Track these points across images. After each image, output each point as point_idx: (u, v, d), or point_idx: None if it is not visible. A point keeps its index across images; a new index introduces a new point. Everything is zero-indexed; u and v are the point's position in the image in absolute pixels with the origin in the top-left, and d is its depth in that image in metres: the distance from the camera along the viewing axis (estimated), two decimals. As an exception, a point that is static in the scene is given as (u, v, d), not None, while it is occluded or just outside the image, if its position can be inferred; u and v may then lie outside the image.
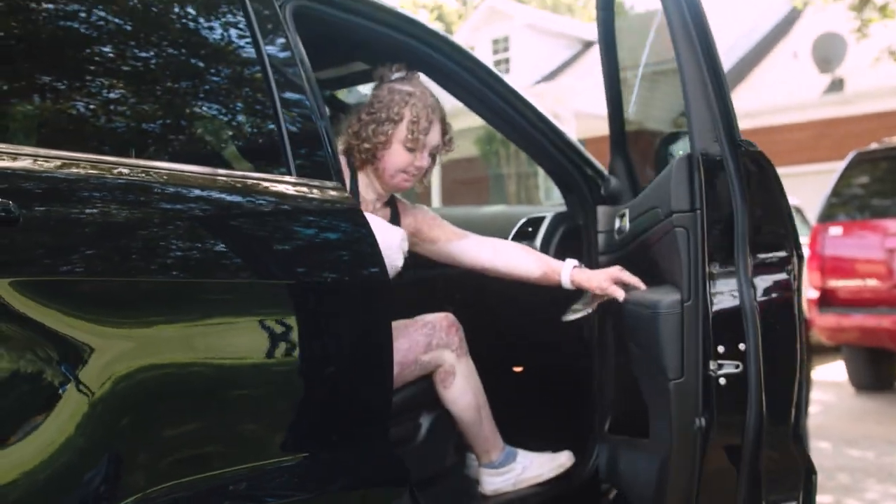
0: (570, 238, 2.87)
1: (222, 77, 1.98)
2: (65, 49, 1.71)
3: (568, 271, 2.44)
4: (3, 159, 1.42)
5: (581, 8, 33.69)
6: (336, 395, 1.80)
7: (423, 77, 2.51)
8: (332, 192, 1.92)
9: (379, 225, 2.07)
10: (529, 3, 28.93)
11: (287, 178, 1.87)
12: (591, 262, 2.80)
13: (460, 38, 19.18)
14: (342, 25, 2.29)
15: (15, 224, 1.35)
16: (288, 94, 1.96)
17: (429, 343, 2.37)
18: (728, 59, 16.29)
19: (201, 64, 1.95)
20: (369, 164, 2.41)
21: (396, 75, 2.43)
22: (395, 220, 2.51)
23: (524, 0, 29.20)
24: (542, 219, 2.92)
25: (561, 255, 2.77)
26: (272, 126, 1.92)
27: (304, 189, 1.88)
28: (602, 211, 2.75)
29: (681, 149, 2.92)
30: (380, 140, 2.35)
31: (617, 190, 2.74)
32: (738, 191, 1.95)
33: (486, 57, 18.01)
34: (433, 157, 2.46)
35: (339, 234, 1.94)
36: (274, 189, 1.84)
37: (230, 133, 1.99)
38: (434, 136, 2.41)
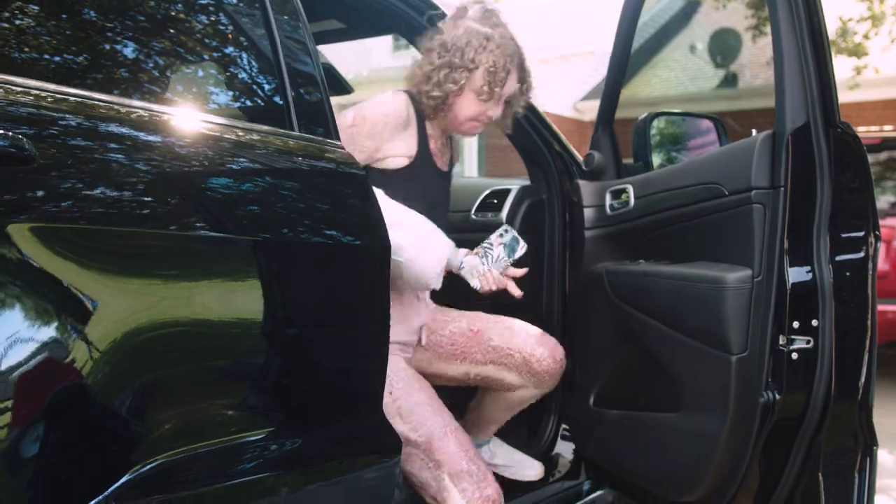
0: (535, 211, 2.83)
1: (222, 29, 1.87)
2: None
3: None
4: (15, 95, 1.29)
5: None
6: (328, 360, 1.73)
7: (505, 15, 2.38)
8: (337, 151, 1.84)
9: (426, 234, 2.09)
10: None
11: (293, 133, 1.78)
12: (552, 235, 2.79)
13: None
14: None
15: (31, 163, 1.23)
16: (291, 49, 1.86)
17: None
18: (599, 72, 16.62)
19: (207, 16, 1.84)
20: (440, 110, 2.26)
21: (475, 11, 2.25)
22: (451, 157, 2.46)
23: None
24: (507, 191, 2.88)
25: (525, 228, 2.75)
26: (277, 83, 1.83)
27: (309, 146, 1.80)
28: (586, 186, 2.71)
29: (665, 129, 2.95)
30: (451, 88, 2.20)
31: (601, 165, 2.72)
32: (826, 172, 1.95)
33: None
34: (509, 104, 2.33)
35: (342, 196, 1.85)
36: (281, 144, 1.74)
37: (236, 86, 1.88)
38: (511, 85, 2.26)
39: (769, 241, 1.98)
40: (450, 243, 2.14)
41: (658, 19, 17.80)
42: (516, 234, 2.20)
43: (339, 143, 1.89)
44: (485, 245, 2.20)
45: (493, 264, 2.16)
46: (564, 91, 15.18)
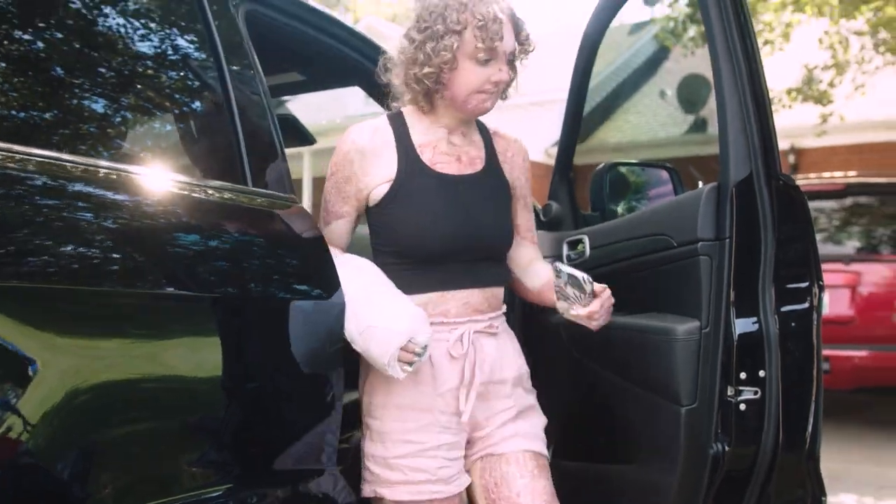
0: None
1: (180, 81, 1.90)
2: (21, 52, 1.59)
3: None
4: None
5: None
6: (275, 408, 1.73)
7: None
8: (286, 204, 1.87)
9: (374, 322, 1.84)
10: (402, 24, 29.12)
11: (242, 188, 1.80)
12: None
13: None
14: (284, 31, 2.23)
15: None
16: (244, 101, 1.89)
17: None
18: (598, 93, 16.82)
19: (159, 66, 1.86)
20: (435, 94, 1.99)
21: None
22: (489, 151, 2.13)
23: (398, 21, 29.41)
24: None
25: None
26: (230, 133, 1.85)
27: (259, 199, 1.82)
28: (544, 236, 2.73)
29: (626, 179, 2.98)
30: (443, 59, 1.91)
31: (559, 216, 2.75)
32: (769, 223, 1.98)
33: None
34: (512, 64, 2.01)
35: (290, 247, 1.87)
36: (228, 198, 1.76)
37: (187, 139, 1.90)
38: (509, 40, 1.94)
39: (716, 293, 2.01)
40: (408, 330, 1.83)
41: (630, 64, 18.07)
42: (570, 270, 2.01)
43: (291, 196, 1.92)
44: (558, 294, 2.03)
45: (581, 302, 1.98)
46: (537, 136, 15.32)
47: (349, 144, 2.01)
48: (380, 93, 2.52)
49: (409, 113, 2.06)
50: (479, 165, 2.08)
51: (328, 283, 1.86)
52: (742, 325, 1.99)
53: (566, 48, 15.28)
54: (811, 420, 2.04)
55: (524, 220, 2.22)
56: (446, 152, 2.05)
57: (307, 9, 2.28)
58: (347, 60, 2.40)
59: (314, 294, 1.87)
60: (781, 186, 2.06)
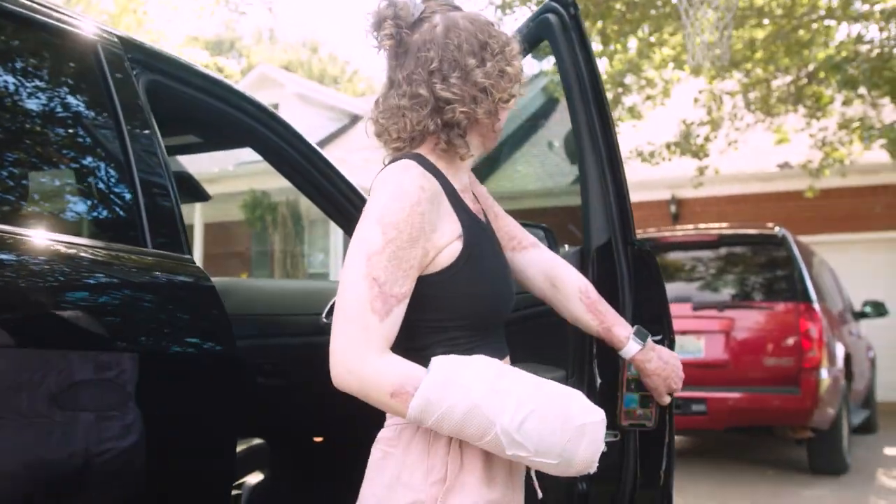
0: None
1: (81, 147, 2.01)
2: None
3: (633, 348, 1.91)
4: None
5: (346, 81, 34.45)
6: (167, 466, 1.83)
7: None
8: (186, 265, 1.97)
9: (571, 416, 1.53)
10: (296, 71, 29.26)
11: (143, 250, 1.91)
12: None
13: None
14: (181, 97, 2.34)
15: None
16: (144, 166, 2.00)
17: None
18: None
19: (61, 132, 1.97)
20: (477, 126, 1.71)
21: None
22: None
23: (292, 68, 29.49)
24: None
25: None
26: (129, 197, 1.95)
27: (160, 261, 1.93)
28: None
29: None
30: (505, 98, 1.69)
31: None
32: (626, 283, 2.17)
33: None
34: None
35: (189, 306, 1.98)
36: (129, 260, 1.87)
37: (88, 203, 2.00)
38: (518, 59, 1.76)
39: (580, 346, 2.20)
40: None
41: (520, 116, 18.53)
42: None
43: (186, 256, 2.02)
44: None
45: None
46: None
47: (417, 192, 1.57)
48: (271, 154, 2.66)
49: (427, 154, 1.69)
50: (482, 214, 1.85)
51: (220, 338, 1.98)
52: (603, 375, 2.18)
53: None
54: (665, 459, 2.23)
55: (515, 226, 2.07)
56: (474, 199, 1.83)
57: (203, 77, 2.40)
58: (241, 123, 2.53)
59: (206, 348, 1.98)
60: (636, 251, 2.27)
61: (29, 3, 1.92)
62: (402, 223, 1.53)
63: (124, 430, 1.73)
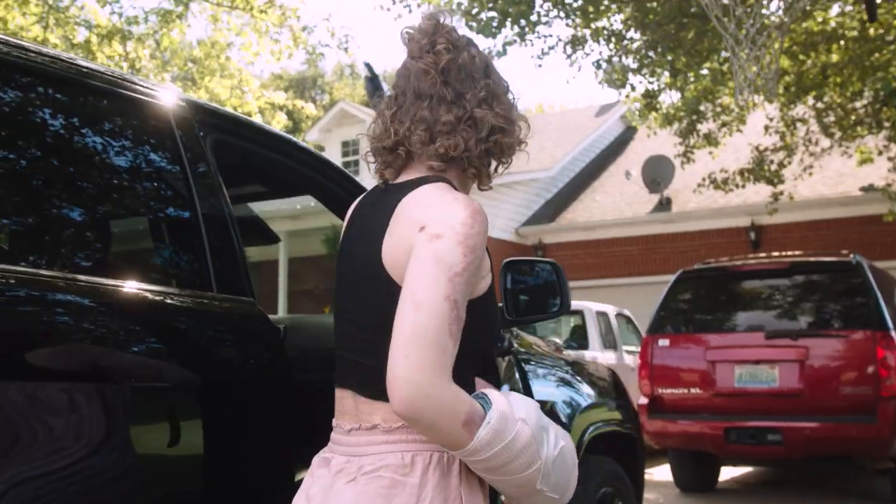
0: None
1: (155, 201, 2.24)
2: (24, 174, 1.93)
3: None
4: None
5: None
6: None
7: None
8: (247, 307, 2.18)
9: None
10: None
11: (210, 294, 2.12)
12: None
13: (311, 137, 19.57)
14: (246, 153, 2.56)
15: None
16: (211, 217, 2.21)
17: None
18: (566, 174, 17.33)
19: (139, 187, 2.20)
20: (487, 166, 1.71)
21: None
22: None
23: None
24: None
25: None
26: (198, 245, 2.17)
27: (224, 304, 2.13)
28: None
29: None
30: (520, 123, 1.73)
31: None
32: None
33: (335, 158, 18.43)
34: None
35: (249, 345, 2.18)
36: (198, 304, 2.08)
37: (162, 252, 2.23)
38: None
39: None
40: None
41: (597, 145, 18.59)
42: None
43: (247, 299, 2.22)
44: None
45: None
46: (507, 216, 15.76)
47: (483, 219, 1.56)
48: (328, 199, 2.85)
49: (454, 181, 1.69)
50: None
51: (278, 371, 2.17)
52: None
53: (535, 130, 15.70)
54: None
55: None
56: None
57: (266, 134, 2.61)
58: (298, 172, 2.73)
59: (265, 382, 2.17)
60: None
61: (112, 76, 2.17)
62: (478, 247, 1.51)
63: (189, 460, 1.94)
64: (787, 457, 7.19)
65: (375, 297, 1.56)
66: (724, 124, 11.61)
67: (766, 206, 11.86)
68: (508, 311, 2.76)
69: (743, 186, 11.41)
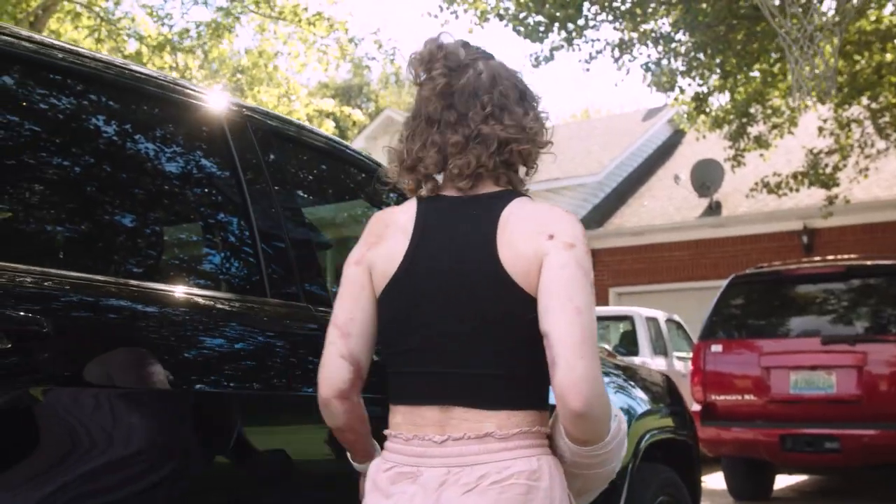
0: None
1: (210, 204, 2.24)
2: (86, 182, 1.94)
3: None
4: (32, 280, 1.62)
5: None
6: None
7: None
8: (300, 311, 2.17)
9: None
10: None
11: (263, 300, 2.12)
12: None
13: (357, 144, 19.65)
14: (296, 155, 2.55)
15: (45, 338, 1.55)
16: (265, 226, 2.21)
17: None
18: (614, 178, 17.20)
19: (190, 191, 2.21)
20: (517, 169, 1.75)
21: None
22: None
23: (419, 111, 30.02)
24: None
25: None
26: (251, 252, 2.17)
27: (277, 309, 2.12)
28: None
29: None
30: (547, 134, 1.76)
31: None
32: None
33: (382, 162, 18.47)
34: None
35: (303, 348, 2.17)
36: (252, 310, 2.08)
37: (216, 258, 2.24)
38: None
39: None
40: None
41: (644, 150, 18.44)
42: None
43: (301, 304, 2.22)
44: None
45: None
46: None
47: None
48: (379, 202, 2.85)
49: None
50: None
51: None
52: None
53: (582, 135, 15.54)
54: None
55: None
56: None
57: (320, 137, 2.62)
58: (354, 177, 2.72)
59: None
60: None
61: (165, 81, 2.18)
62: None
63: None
64: (845, 465, 7.03)
65: (495, 301, 1.58)
66: (774, 126, 11.44)
67: (819, 210, 11.65)
68: None
69: (797, 190, 11.23)
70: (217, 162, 2.27)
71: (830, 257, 9.08)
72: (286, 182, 2.53)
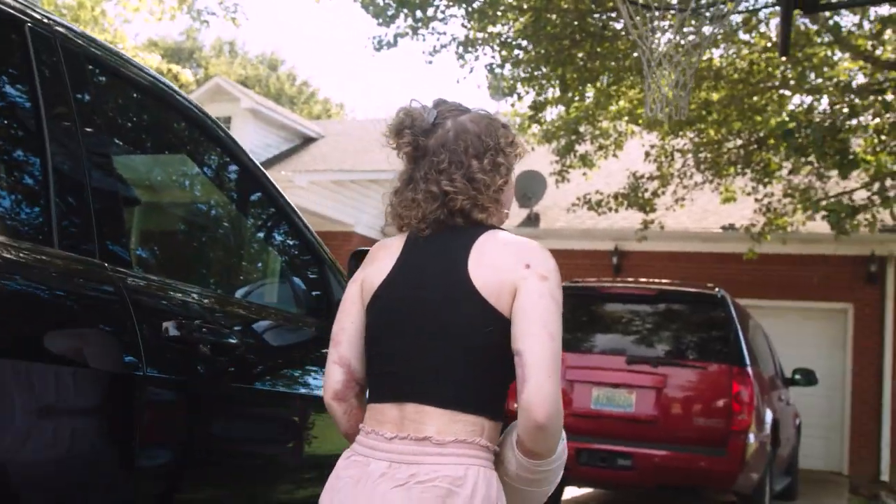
0: None
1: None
2: None
3: None
4: None
5: (303, 102, 34.30)
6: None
7: None
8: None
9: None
10: (253, 87, 29.06)
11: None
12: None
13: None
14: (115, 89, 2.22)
15: None
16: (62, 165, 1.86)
17: None
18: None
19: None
20: (489, 208, 1.92)
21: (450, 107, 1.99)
22: None
23: (249, 84, 29.30)
24: None
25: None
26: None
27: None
28: None
29: None
30: (502, 177, 1.92)
31: None
32: None
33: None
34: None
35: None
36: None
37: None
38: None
39: None
40: None
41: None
42: None
43: (95, 261, 1.90)
44: None
45: None
46: (374, 213, 15.49)
47: None
48: (201, 160, 2.54)
49: None
50: None
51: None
52: None
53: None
54: None
55: None
56: None
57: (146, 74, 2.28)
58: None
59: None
60: None
61: None
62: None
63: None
64: (637, 483, 7.18)
65: (457, 312, 1.77)
66: (601, 147, 11.69)
67: (634, 233, 12.00)
68: None
69: (616, 210, 11.51)
70: (11, 80, 1.91)
71: (644, 280, 9.32)
72: (97, 121, 2.18)
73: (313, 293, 3.06)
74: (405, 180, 1.93)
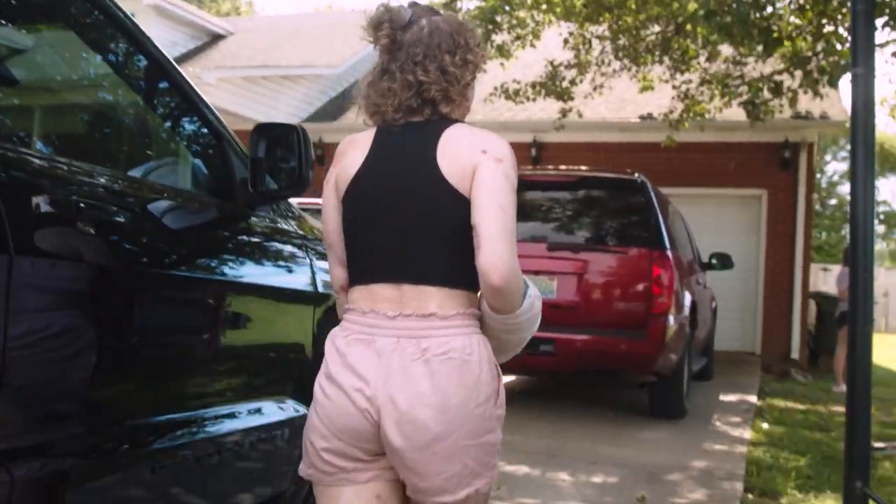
0: None
1: None
2: None
3: None
4: None
5: (210, 1, 33.04)
6: None
7: None
8: None
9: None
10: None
11: None
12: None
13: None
14: None
15: None
16: None
17: None
18: (354, 74, 16.70)
19: None
20: (455, 101, 2.10)
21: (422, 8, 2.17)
22: None
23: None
24: None
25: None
26: None
27: None
28: None
29: None
30: (471, 73, 2.12)
31: None
32: None
33: None
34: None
35: None
36: None
37: None
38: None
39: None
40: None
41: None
42: None
43: None
44: None
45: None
46: (289, 110, 15.07)
47: None
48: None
49: None
50: None
51: None
52: None
53: (326, 26, 15.11)
54: None
55: None
56: None
57: None
58: None
59: None
60: None
61: None
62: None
63: None
64: (559, 368, 7.22)
65: (433, 198, 1.97)
66: (518, 37, 11.44)
67: (552, 123, 11.88)
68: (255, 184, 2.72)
69: (534, 99, 11.33)
70: None
71: (564, 167, 9.25)
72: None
73: (214, 174, 2.87)
74: (379, 72, 2.08)
